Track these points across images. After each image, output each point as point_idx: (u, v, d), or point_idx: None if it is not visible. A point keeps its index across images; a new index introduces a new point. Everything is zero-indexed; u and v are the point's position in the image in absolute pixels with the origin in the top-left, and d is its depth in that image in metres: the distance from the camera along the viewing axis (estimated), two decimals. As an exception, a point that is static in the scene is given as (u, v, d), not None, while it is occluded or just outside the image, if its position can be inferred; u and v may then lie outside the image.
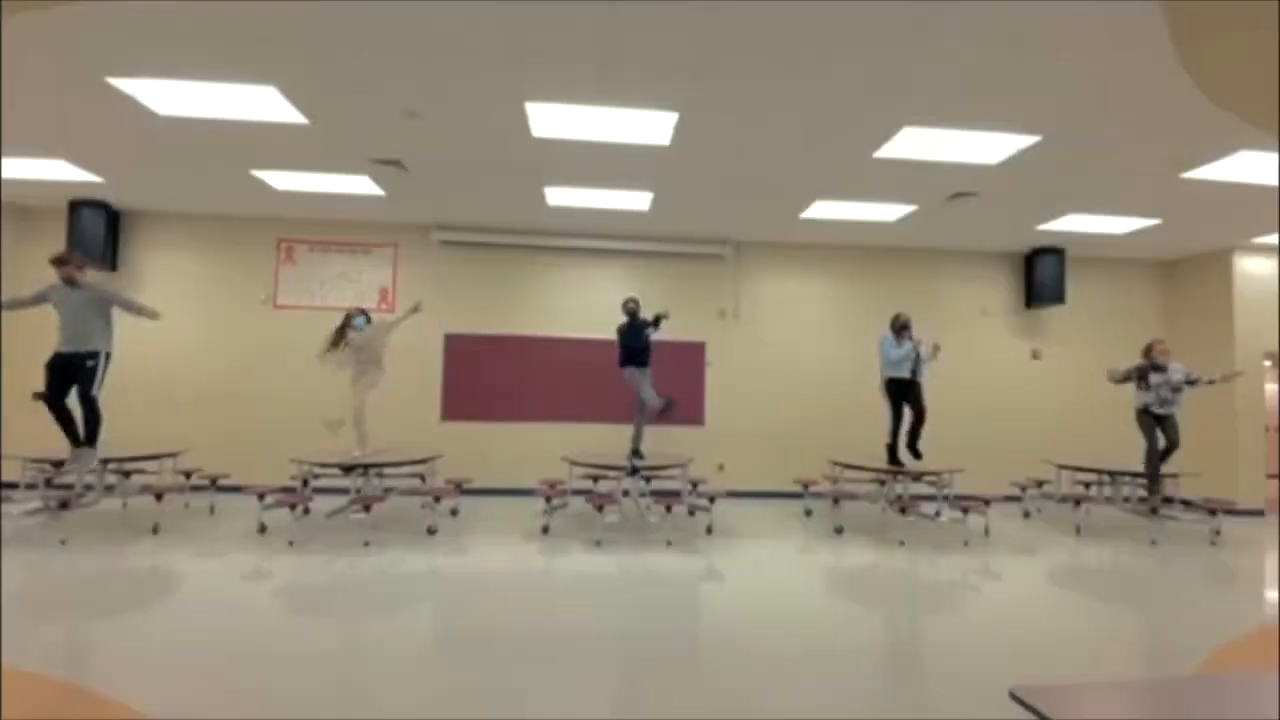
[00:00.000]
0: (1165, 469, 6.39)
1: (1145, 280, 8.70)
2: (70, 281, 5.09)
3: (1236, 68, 3.64)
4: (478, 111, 4.55)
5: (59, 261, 5.12)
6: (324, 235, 7.76)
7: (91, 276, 5.38)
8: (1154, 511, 6.29)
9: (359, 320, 6.10)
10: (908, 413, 6.41)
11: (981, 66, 3.77)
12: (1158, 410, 6.23)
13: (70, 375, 5.05)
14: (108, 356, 5.16)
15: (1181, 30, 3.34)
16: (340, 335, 6.02)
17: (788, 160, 5.41)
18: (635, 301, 6.54)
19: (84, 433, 5.09)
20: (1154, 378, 6.18)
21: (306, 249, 7.77)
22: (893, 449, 6.45)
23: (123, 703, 2.74)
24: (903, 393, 6.35)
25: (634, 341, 6.42)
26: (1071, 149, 4.95)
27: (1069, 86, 3.98)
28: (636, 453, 6.46)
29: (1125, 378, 6.33)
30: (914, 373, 6.31)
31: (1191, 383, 6.14)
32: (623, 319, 6.54)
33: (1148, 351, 6.29)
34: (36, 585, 4.32)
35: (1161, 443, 6.26)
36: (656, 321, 6.57)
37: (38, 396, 5.02)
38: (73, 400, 5.11)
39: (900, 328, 6.31)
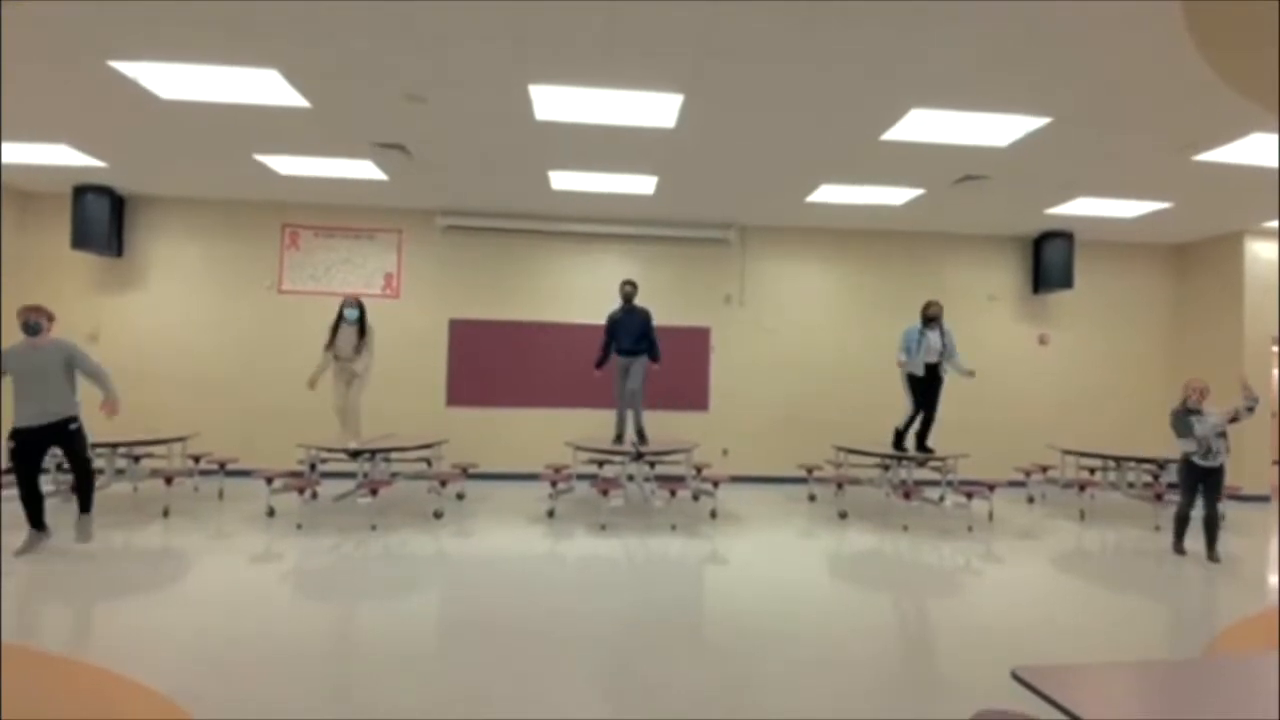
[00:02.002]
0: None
1: (1154, 265, 8.62)
2: (34, 331, 4.42)
3: (1249, 48, 3.58)
4: (481, 94, 4.52)
5: (31, 311, 4.45)
6: (328, 220, 7.75)
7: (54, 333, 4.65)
8: (1158, 497, 6.29)
9: (350, 312, 5.92)
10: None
11: (991, 47, 3.71)
12: (1200, 462, 5.14)
13: (43, 447, 4.51)
14: None
15: (1194, 10, 3.28)
16: (335, 330, 5.94)
17: (794, 143, 5.36)
18: (633, 285, 6.28)
19: (81, 500, 4.62)
20: (1195, 423, 5.14)
21: (311, 234, 7.77)
22: (900, 435, 6.38)
23: (134, 680, 2.79)
24: (922, 387, 6.25)
25: (631, 327, 6.19)
26: (1082, 131, 4.88)
27: (1080, 67, 3.92)
28: (640, 435, 6.34)
29: (1180, 427, 5.22)
30: (938, 366, 6.20)
31: (1234, 420, 5.12)
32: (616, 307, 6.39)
33: (1185, 390, 5.25)
34: (49, 567, 4.39)
35: (1198, 507, 5.19)
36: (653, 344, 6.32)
37: (7, 471, 4.45)
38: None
39: (929, 319, 6.17)
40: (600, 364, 6.46)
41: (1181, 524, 5.30)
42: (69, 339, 4.75)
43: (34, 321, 4.45)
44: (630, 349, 6.27)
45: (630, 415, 6.36)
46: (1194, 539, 5.22)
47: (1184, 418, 5.18)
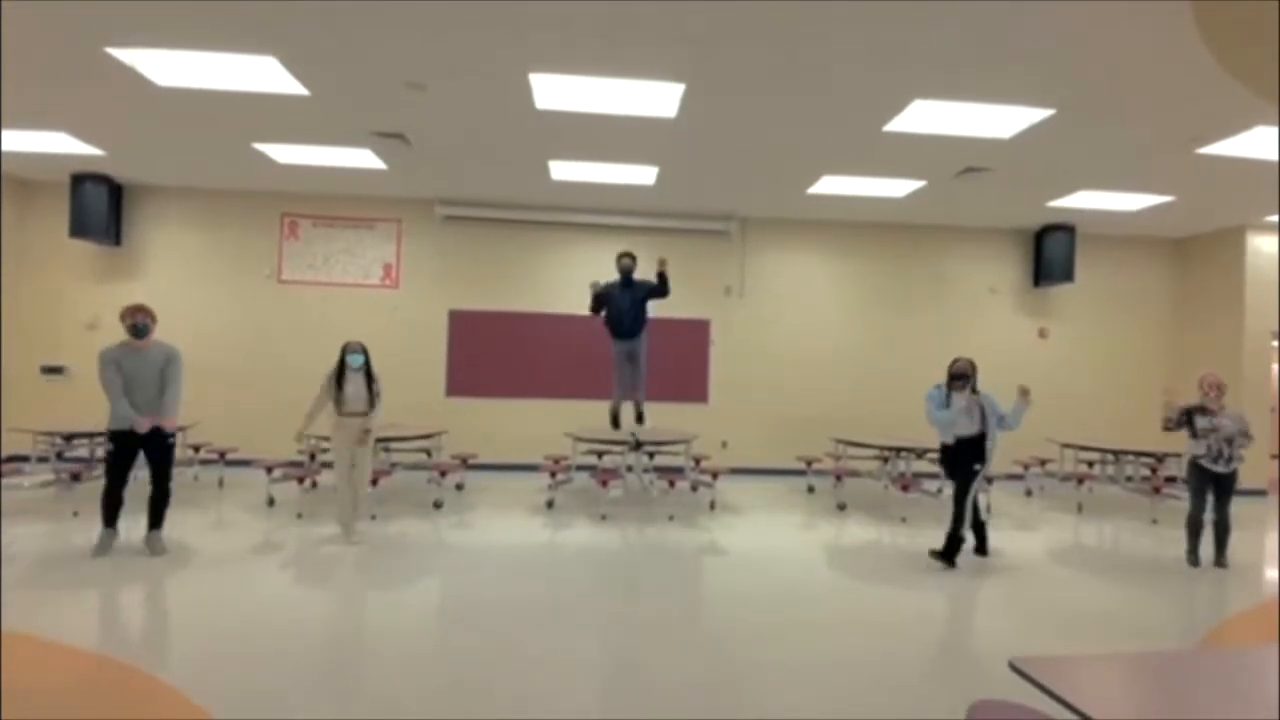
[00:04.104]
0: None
1: (1155, 258, 8.60)
2: (142, 334, 4.26)
3: (1256, 41, 3.54)
4: (480, 83, 4.48)
5: (138, 312, 4.27)
6: (327, 210, 7.72)
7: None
8: (1156, 490, 6.30)
9: (355, 358, 4.88)
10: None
11: (995, 37, 3.68)
12: (1210, 466, 4.76)
13: (135, 453, 4.28)
14: None
15: (1202, 2, 3.24)
16: (339, 378, 4.87)
17: (796, 133, 5.33)
18: (632, 257, 5.47)
19: (154, 517, 4.43)
20: (1200, 422, 4.73)
21: (310, 224, 7.74)
22: (955, 544, 4.60)
23: (135, 667, 2.80)
24: (960, 456, 4.65)
25: (630, 306, 5.37)
26: (1085, 123, 4.85)
27: (1084, 58, 3.89)
28: (639, 416, 5.81)
29: (1176, 423, 4.84)
30: (982, 434, 4.65)
31: (1246, 434, 4.73)
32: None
33: (1200, 386, 4.83)
34: (50, 556, 4.40)
35: (1208, 512, 4.81)
36: (662, 280, 5.32)
37: (112, 441, 4.25)
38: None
39: (955, 376, 4.67)
40: (596, 308, 5.55)
41: (1193, 531, 4.85)
42: (171, 344, 4.46)
43: (142, 323, 4.25)
44: (630, 330, 5.49)
45: (629, 402, 5.91)
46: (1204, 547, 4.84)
47: (1188, 414, 4.78)
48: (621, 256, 5.45)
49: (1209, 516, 4.83)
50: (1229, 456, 4.70)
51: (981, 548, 4.86)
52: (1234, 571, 4.83)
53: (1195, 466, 4.84)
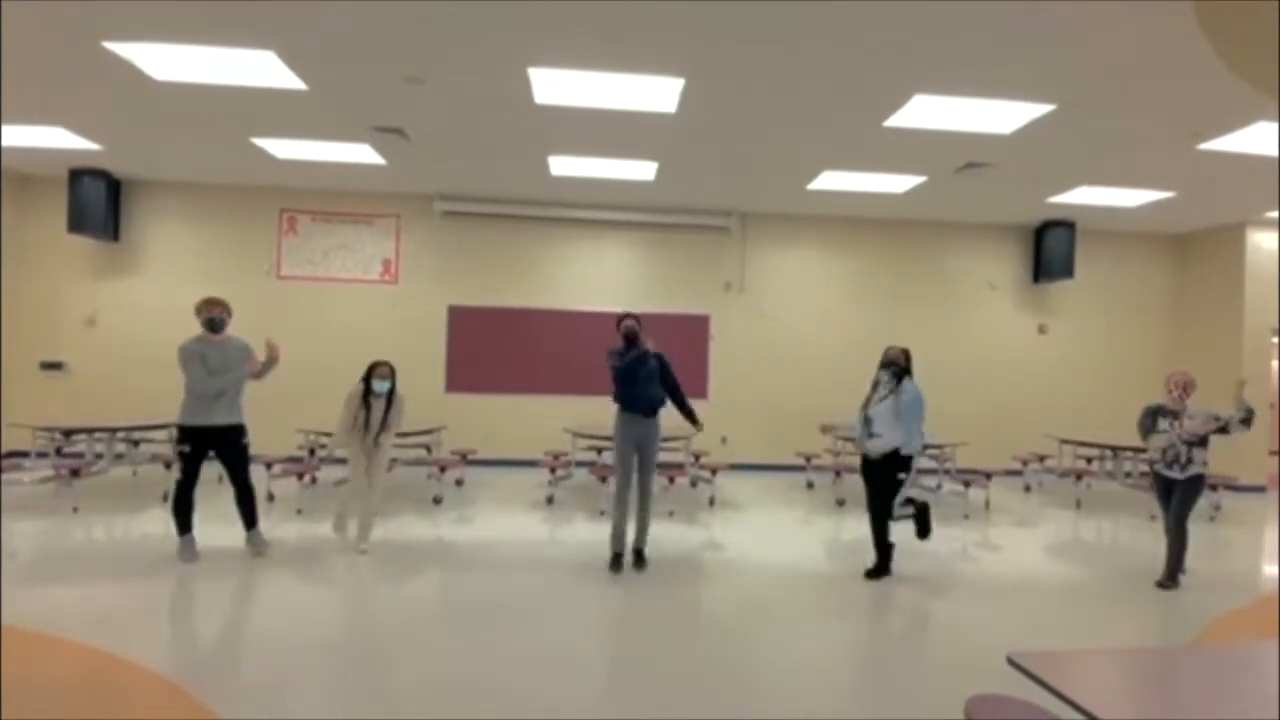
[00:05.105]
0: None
1: (1155, 254, 8.59)
2: (218, 328, 4.17)
3: (1259, 35, 3.53)
4: (480, 77, 4.46)
5: (214, 305, 4.17)
6: (326, 205, 7.70)
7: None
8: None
9: (382, 384, 4.55)
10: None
11: (997, 32, 3.66)
12: (1164, 471, 4.28)
13: (205, 452, 4.17)
14: None
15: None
16: (366, 397, 4.55)
17: (796, 129, 5.31)
18: (636, 320, 4.45)
19: (247, 518, 4.36)
20: (1160, 423, 4.30)
21: (309, 219, 7.72)
22: (887, 555, 4.35)
23: (133, 662, 2.81)
24: (881, 466, 4.25)
25: (647, 377, 4.35)
26: (1086, 118, 4.84)
27: (1085, 53, 3.87)
28: (639, 556, 4.44)
29: (1142, 426, 4.43)
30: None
31: (1222, 429, 4.17)
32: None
33: (1165, 383, 4.39)
34: (50, 551, 4.40)
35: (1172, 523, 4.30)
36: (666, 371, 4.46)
37: (181, 455, 4.15)
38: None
39: (884, 365, 4.33)
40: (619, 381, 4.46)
41: (1172, 543, 4.34)
42: (244, 338, 4.34)
43: (219, 318, 4.16)
44: (651, 401, 4.37)
45: (634, 518, 4.45)
46: (1191, 531, 4.55)
47: (1150, 417, 4.36)
48: (624, 319, 4.45)
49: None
50: (1185, 460, 4.19)
51: (882, 567, 4.30)
52: (1231, 566, 4.84)
53: (1154, 474, 4.42)
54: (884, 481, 4.23)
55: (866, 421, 4.27)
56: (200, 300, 4.22)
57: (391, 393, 4.64)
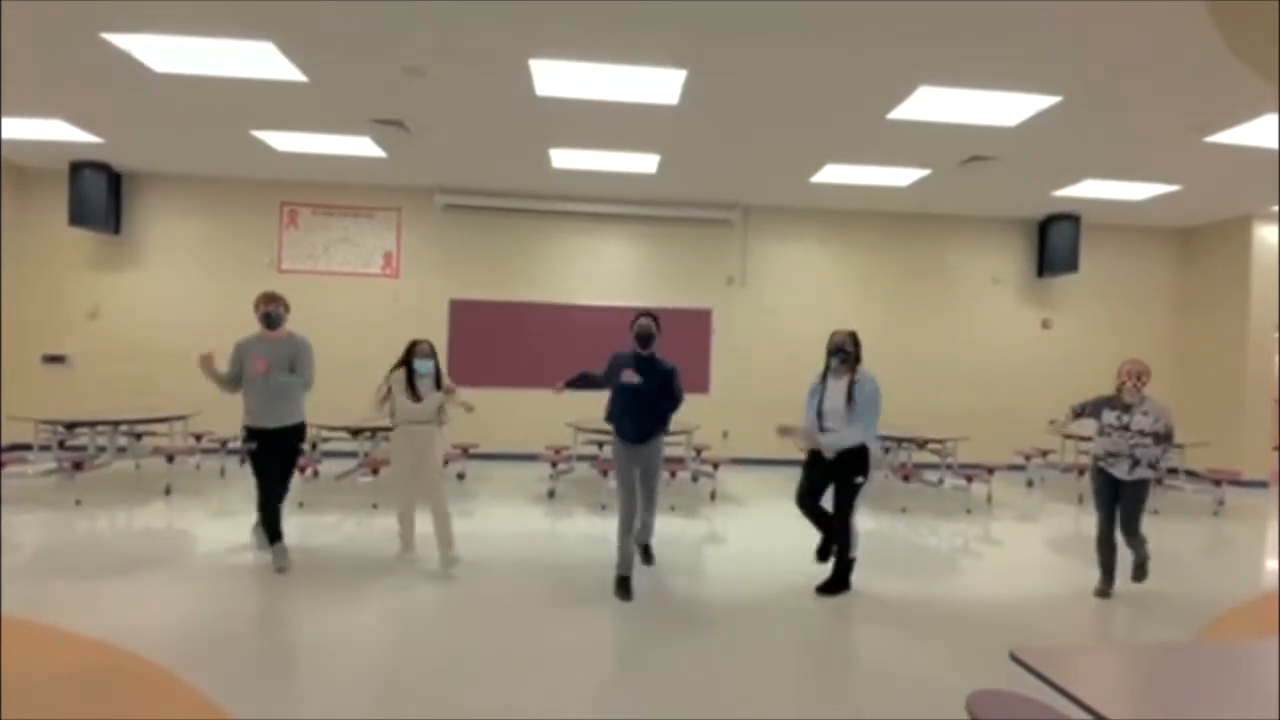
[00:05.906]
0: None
1: (1160, 248, 8.54)
2: (275, 324, 3.98)
3: (1268, 27, 3.49)
4: (480, 68, 4.44)
5: (272, 301, 3.98)
6: (327, 198, 7.68)
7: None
8: (1158, 482, 6.28)
9: (424, 364, 4.09)
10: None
11: (1001, 23, 3.63)
12: (1111, 470, 3.83)
13: (269, 453, 3.95)
14: None
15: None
16: (410, 375, 4.09)
17: (799, 121, 5.27)
18: (654, 320, 3.88)
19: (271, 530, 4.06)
20: (1107, 416, 3.83)
21: (309, 212, 7.70)
22: (846, 569, 3.96)
23: (136, 655, 2.81)
24: (838, 466, 3.91)
25: (648, 393, 3.79)
26: (1092, 110, 4.80)
27: (1092, 44, 3.84)
28: (646, 551, 4.40)
29: (1064, 423, 4.12)
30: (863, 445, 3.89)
31: (1168, 438, 3.71)
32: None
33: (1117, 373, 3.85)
34: (53, 544, 4.41)
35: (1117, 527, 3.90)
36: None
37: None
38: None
39: (832, 351, 3.98)
40: (572, 384, 4.36)
41: (1102, 552, 3.96)
42: (303, 334, 4.11)
43: (275, 313, 3.97)
44: (645, 428, 3.95)
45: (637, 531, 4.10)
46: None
47: (1095, 408, 3.90)
48: (639, 318, 3.86)
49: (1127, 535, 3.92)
50: (1137, 460, 3.73)
51: (839, 582, 3.88)
52: (1232, 562, 4.83)
53: (1096, 470, 3.91)
54: (840, 482, 3.83)
55: (819, 415, 3.86)
56: (258, 295, 4.04)
57: (439, 375, 4.16)
